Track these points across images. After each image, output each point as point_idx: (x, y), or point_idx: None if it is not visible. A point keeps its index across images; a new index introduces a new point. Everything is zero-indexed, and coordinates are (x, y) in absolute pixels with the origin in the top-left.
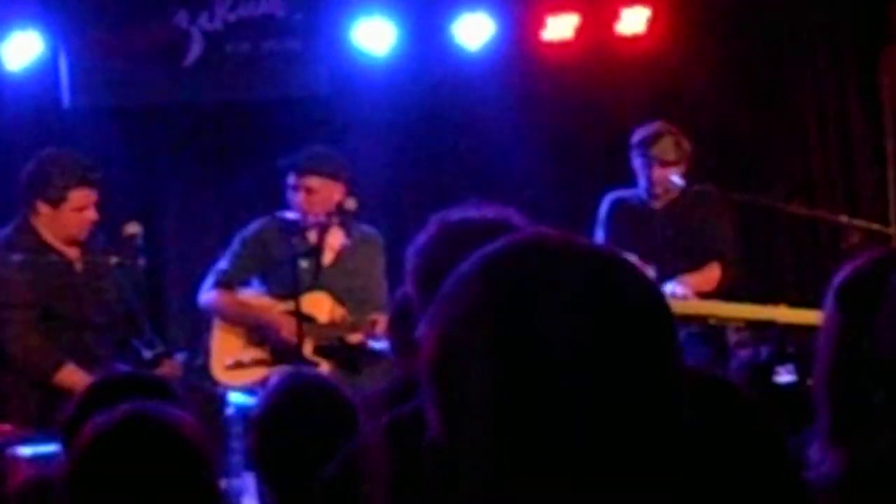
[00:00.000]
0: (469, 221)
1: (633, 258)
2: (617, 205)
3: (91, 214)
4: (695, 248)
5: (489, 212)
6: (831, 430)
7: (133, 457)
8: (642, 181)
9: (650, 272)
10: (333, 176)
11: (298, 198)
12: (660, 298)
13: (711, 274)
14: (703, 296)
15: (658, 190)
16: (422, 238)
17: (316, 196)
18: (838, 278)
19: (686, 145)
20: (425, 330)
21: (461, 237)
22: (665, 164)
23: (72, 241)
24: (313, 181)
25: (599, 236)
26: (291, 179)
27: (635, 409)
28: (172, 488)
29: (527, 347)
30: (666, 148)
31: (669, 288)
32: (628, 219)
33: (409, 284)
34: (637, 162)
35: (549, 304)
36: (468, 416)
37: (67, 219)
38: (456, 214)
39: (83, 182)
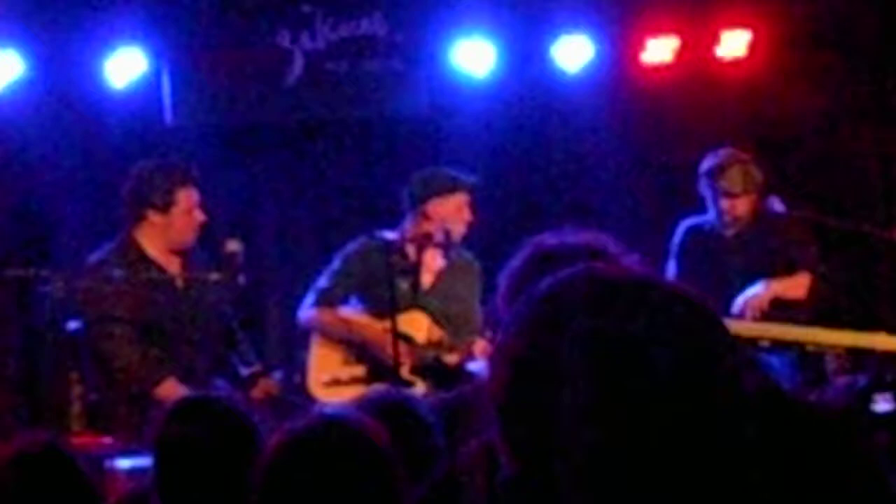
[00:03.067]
0: (563, 246)
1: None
2: (690, 233)
3: (199, 215)
4: (775, 272)
5: (585, 237)
6: None
7: (326, 462)
8: (711, 211)
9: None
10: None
11: (467, 215)
12: (716, 333)
13: (801, 280)
14: (793, 305)
15: (727, 219)
16: (516, 262)
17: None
18: None
19: (757, 174)
20: (500, 352)
21: (554, 261)
22: (732, 195)
23: (182, 248)
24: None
25: (671, 266)
26: (465, 198)
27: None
28: (364, 495)
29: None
30: (733, 179)
31: (750, 291)
32: (700, 248)
33: (500, 307)
34: (705, 192)
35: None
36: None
37: (179, 223)
38: (550, 239)
39: (186, 181)
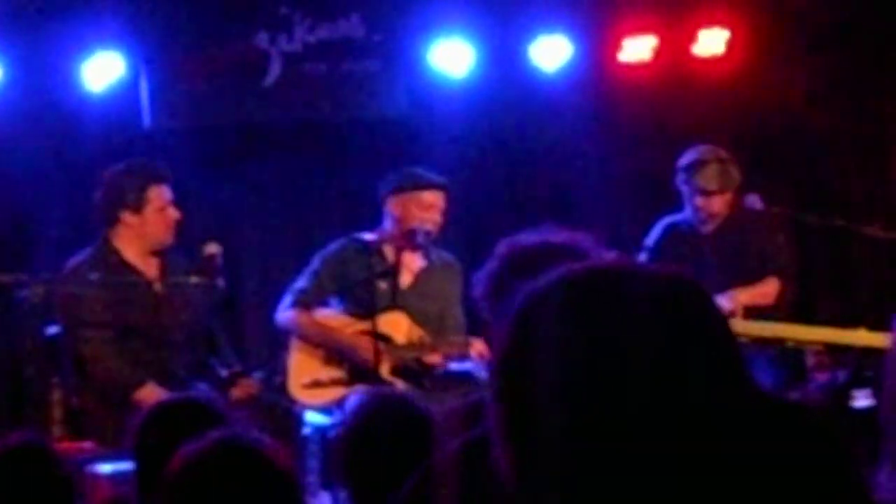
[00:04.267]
0: (539, 246)
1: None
2: (667, 230)
3: (174, 213)
4: (751, 270)
5: (557, 237)
6: None
7: (225, 483)
8: (688, 207)
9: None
10: (448, 192)
11: (428, 215)
12: (716, 314)
13: (768, 288)
14: (765, 311)
15: (703, 216)
16: (492, 262)
17: (440, 213)
18: None
19: (734, 172)
20: (497, 350)
21: (530, 262)
22: (708, 193)
23: (160, 247)
24: (442, 198)
25: (642, 260)
26: (427, 197)
27: (711, 432)
28: None
29: (604, 362)
30: (710, 176)
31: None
32: (676, 245)
33: (481, 307)
34: (682, 188)
35: (620, 327)
36: (542, 435)
37: (154, 221)
38: (526, 239)
39: (157, 178)
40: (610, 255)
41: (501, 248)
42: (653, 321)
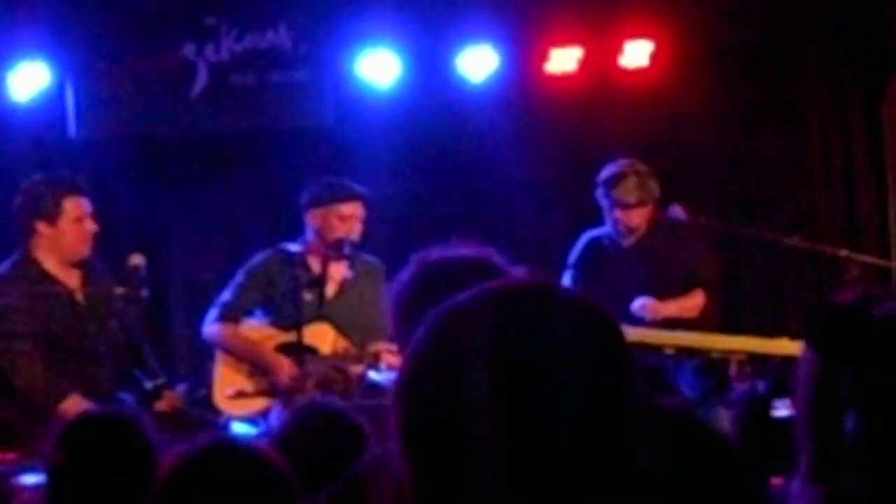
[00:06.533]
0: (448, 261)
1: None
2: (589, 244)
3: (90, 225)
4: (673, 281)
5: (469, 251)
6: (810, 465)
7: (223, 485)
8: (608, 221)
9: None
10: (367, 202)
11: (348, 227)
12: (615, 338)
13: (693, 301)
14: (690, 322)
15: (621, 229)
16: (402, 277)
17: (360, 223)
18: (814, 315)
19: (653, 186)
20: (407, 370)
21: (440, 277)
22: (626, 206)
23: (76, 259)
24: (361, 208)
25: (567, 278)
26: (346, 209)
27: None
28: None
29: (523, 380)
30: (628, 190)
31: (637, 305)
32: (598, 259)
33: (389, 322)
34: (602, 202)
35: (541, 348)
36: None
37: (68, 233)
38: (436, 254)
39: (73, 190)
40: (520, 272)
41: (410, 264)
42: (572, 344)
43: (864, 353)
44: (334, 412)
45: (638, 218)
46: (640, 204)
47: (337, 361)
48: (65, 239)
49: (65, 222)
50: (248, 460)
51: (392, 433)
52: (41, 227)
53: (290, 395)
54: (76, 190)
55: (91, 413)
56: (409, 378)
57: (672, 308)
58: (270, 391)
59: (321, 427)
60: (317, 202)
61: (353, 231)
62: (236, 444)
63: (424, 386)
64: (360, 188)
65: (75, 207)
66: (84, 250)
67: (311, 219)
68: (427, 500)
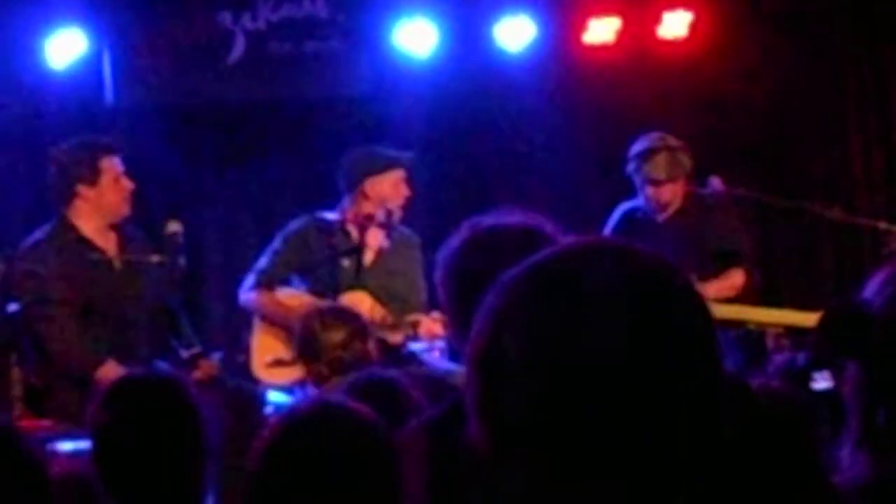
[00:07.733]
0: (501, 229)
1: None
2: (624, 218)
3: (127, 183)
4: (709, 257)
5: (521, 219)
6: (859, 435)
7: (328, 448)
8: (640, 196)
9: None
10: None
11: (401, 191)
12: (703, 304)
13: (733, 280)
14: (733, 301)
15: (653, 205)
16: (453, 244)
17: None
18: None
19: (685, 160)
20: (473, 339)
21: (493, 244)
22: (657, 182)
23: (118, 219)
24: (408, 174)
25: None
26: (400, 174)
27: (677, 417)
28: (365, 484)
29: (581, 355)
30: (659, 166)
31: None
32: (632, 232)
33: (440, 290)
34: (634, 177)
35: (599, 315)
36: (516, 422)
37: (110, 192)
38: (487, 221)
39: (108, 150)
40: (569, 239)
41: (461, 230)
42: (629, 312)
43: (864, 351)
44: (388, 383)
45: (669, 193)
46: (670, 180)
47: (375, 329)
48: (107, 198)
49: (105, 182)
50: (353, 422)
51: (469, 407)
52: (83, 189)
53: None
54: (111, 149)
55: (134, 374)
56: (476, 356)
57: (711, 290)
58: None
59: (377, 398)
60: (373, 171)
61: (406, 195)
62: (341, 405)
63: (487, 364)
64: (408, 154)
65: (112, 166)
66: (126, 209)
67: (369, 188)
68: (510, 478)
